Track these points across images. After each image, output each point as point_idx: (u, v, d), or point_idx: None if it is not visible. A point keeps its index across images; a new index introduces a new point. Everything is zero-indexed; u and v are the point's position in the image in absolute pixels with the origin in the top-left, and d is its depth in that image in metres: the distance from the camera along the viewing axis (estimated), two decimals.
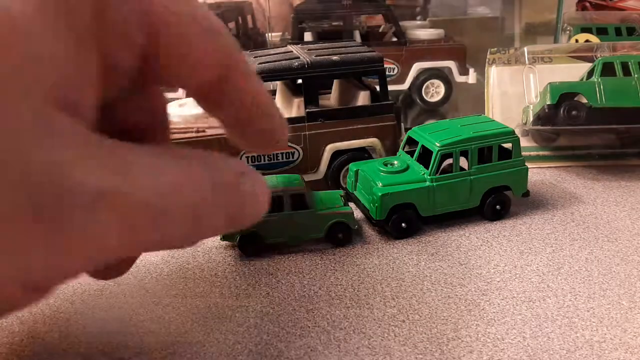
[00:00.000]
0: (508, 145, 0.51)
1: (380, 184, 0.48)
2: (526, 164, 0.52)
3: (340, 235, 0.47)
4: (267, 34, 0.98)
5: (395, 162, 0.51)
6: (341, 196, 0.49)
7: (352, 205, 0.50)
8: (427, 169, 0.48)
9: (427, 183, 0.48)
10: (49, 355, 0.36)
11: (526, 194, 0.52)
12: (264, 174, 0.54)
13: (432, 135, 0.50)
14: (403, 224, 0.48)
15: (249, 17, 1.01)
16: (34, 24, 0.23)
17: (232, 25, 0.94)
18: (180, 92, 0.88)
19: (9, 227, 0.22)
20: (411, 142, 0.53)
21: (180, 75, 0.32)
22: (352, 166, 0.52)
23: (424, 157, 0.50)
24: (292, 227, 0.46)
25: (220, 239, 0.47)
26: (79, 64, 0.26)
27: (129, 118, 0.34)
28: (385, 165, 0.50)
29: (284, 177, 0.48)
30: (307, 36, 0.90)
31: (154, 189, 0.27)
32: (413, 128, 0.53)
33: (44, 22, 0.24)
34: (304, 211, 0.46)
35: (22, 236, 0.22)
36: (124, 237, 0.25)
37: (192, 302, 0.41)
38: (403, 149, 0.53)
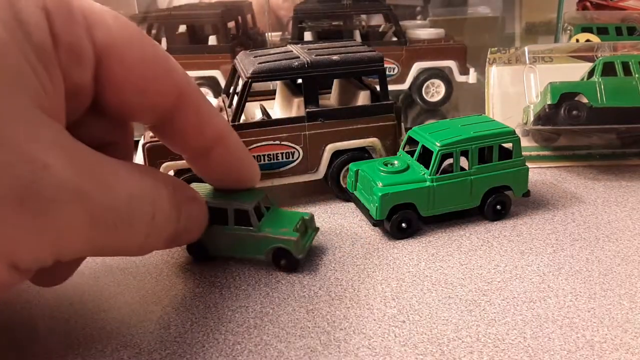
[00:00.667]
0: (508, 145, 0.51)
1: (380, 184, 0.47)
2: (526, 164, 0.52)
3: (283, 261, 0.44)
4: (267, 34, 0.98)
5: (395, 162, 0.51)
6: (303, 219, 0.45)
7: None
8: (428, 168, 0.48)
9: (427, 183, 0.48)
10: (49, 355, 0.36)
11: (527, 193, 0.52)
12: (263, 175, 0.54)
13: (432, 135, 0.50)
14: (403, 224, 0.48)
15: (249, 17, 1.01)
16: (6, 40, 0.27)
17: (232, 25, 0.94)
18: None
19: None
20: (411, 142, 0.53)
21: (127, 101, 0.35)
22: (352, 166, 0.52)
23: (424, 157, 0.50)
24: (234, 243, 0.44)
25: None
26: (49, 77, 0.29)
27: (94, 136, 0.37)
28: (385, 165, 0.50)
29: (248, 191, 0.46)
30: (307, 36, 0.90)
31: (122, 198, 0.31)
32: (413, 128, 0.53)
33: (14, 40, 0.27)
34: (244, 229, 0.44)
35: (9, 220, 0.26)
36: (90, 233, 0.29)
37: (192, 302, 0.41)
38: (403, 149, 0.53)
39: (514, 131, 0.51)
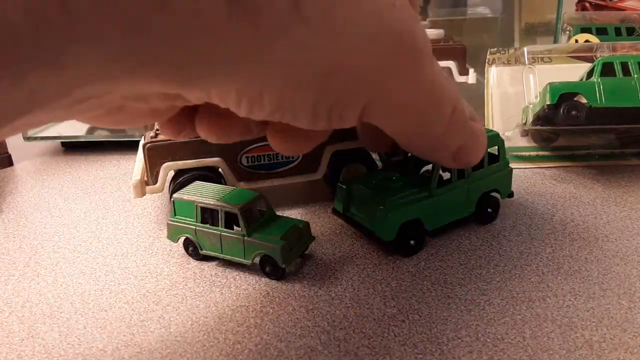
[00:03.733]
0: (493, 149, 0.50)
1: (386, 202, 0.45)
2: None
3: (268, 268, 0.43)
4: None
5: (392, 176, 0.48)
6: (295, 226, 0.44)
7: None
8: (417, 179, 0.47)
9: (431, 196, 0.46)
10: (49, 355, 0.36)
11: (511, 194, 0.52)
12: (263, 176, 0.54)
13: None
14: (412, 242, 0.46)
15: None
16: None
17: None
18: None
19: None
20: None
21: None
22: (342, 184, 0.49)
23: (413, 167, 0.48)
24: (223, 245, 0.44)
25: (167, 237, 0.47)
26: None
27: None
28: (382, 180, 0.47)
29: (243, 192, 0.45)
30: None
31: (435, 76, 0.31)
32: None
33: None
34: (231, 232, 0.43)
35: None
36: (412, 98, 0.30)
37: (192, 302, 0.41)
38: (391, 160, 0.52)
39: (499, 134, 0.50)
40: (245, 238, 0.43)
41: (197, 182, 0.48)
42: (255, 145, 0.53)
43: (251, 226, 0.43)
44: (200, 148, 0.52)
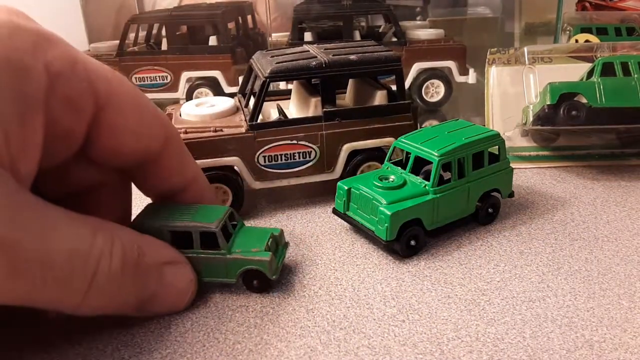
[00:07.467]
0: (494, 148, 0.50)
1: (386, 202, 0.45)
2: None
3: (255, 282, 0.41)
4: (268, 35, 0.99)
5: (391, 176, 0.48)
6: (273, 235, 0.42)
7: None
8: (418, 179, 0.47)
9: (431, 195, 0.46)
10: (49, 355, 0.36)
11: (511, 194, 0.52)
12: (280, 175, 0.53)
13: (425, 144, 0.47)
14: (412, 242, 0.46)
15: (249, 17, 1.01)
16: None
17: (232, 25, 0.94)
18: (180, 91, 0.88)
19: None
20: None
21: (122, 144, 0.37)
22: (342, 184, 0.49)
23: (412, 167, 0.48)
24: (201, 268, 0.40)
25: None
26: (21, 124, 0.30)
27: (81, 177, 0.39)
28: (381, 180, 0.47)
29: (210, 208, 0.42)
30: (307, 36, 0.90)
31: (59, 253, 0.30)
32: (399, 138, 0.50)
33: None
34: (212, 252, 0.40)
35: None
36: (11, 284, 0.29)
37: (192, 301, 0.41)
38: (389, 161, 0.51)
39: (499, 134, 0.50)
40: (229, 256, 0.40)
41: (151, 205, 0.43)
42: (272, 145, 0.52)
43: (230, 242, 0.41)
44: (217, 147, 0.51)
